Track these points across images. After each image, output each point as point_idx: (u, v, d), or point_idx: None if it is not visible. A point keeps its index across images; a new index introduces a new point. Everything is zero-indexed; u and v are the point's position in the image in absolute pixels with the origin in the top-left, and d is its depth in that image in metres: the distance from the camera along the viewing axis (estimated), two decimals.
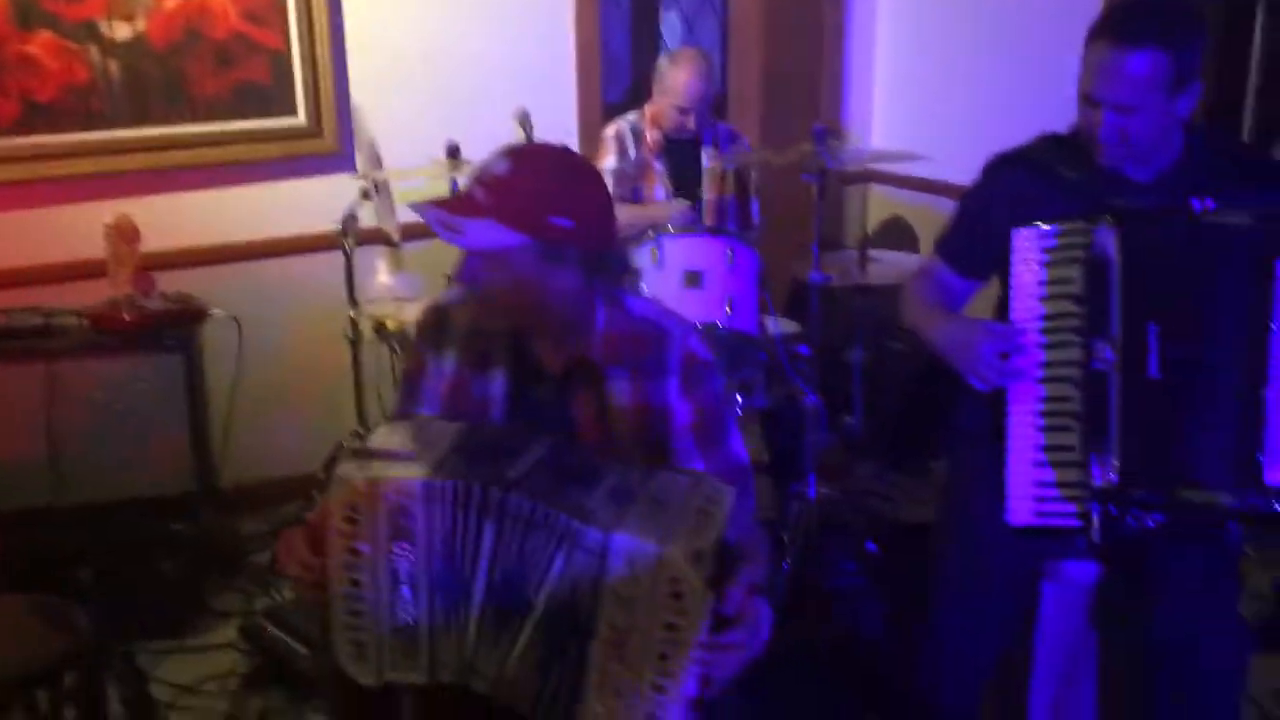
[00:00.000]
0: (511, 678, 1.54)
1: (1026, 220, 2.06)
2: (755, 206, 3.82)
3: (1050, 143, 2.18)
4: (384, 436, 1.68)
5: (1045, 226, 2.04)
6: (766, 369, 3.21)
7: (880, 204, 4.75)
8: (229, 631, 3.17)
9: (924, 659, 2.20)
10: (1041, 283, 2.04)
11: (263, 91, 3.55)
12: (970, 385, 2.02)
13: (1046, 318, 2.03)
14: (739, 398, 3.22)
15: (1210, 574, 2.04)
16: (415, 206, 1.71)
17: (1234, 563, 2.08)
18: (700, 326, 2.92)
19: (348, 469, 1.55)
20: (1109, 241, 1.94)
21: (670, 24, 5.22)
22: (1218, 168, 2.07)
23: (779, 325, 3.20)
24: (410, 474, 1.54)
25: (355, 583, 1.55)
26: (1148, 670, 2.05)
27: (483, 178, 1.69)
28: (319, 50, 3.56)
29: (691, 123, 3.61)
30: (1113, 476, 1.89)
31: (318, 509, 1.62)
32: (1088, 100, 2.03)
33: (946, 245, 2.30)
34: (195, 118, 3.49)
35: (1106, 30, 1.98)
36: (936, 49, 4.41)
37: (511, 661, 1.54)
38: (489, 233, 1.65)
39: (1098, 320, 1.95)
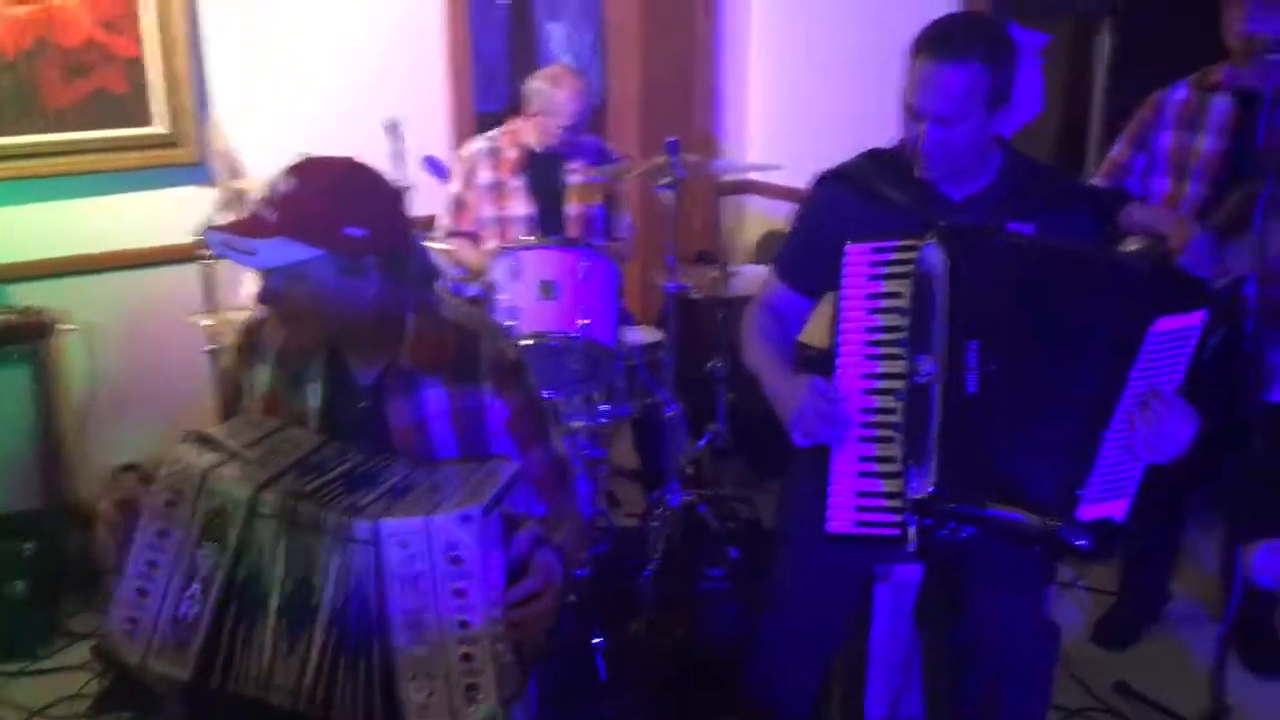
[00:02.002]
0: (310, 686, 1.53)
1: (852, 235, 2.12)
2: (627, 219, 3.86)
3: (872, 160, 2.25)
4: (234, 429, 1.68)
5: (877, 241, 2.09)
6: (628, 378, 3.24)
7: (759, 215, 4.83)
8: (83, 653, 3.10)
9: (755, 660, 2.24)
10: (871, 295, 2.09)
11: (119, 101, 3.48)
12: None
13: (877, 329, 2.08)
14: (602, 406, 3.25)
15: (1019, 577, 2.11)
16: (204, 233, 1.70)
17: (1041, 565, 2.16)
18: (557, 337, 2.95)
19: (188, 450, 1.54)
20: (935, 258, 1.99)
21: (548, 34, 5.24)
22: (1026, 191, 2.16)
23: (639, 335, 3.23)
24: (243, 480, 1.54)
25: (151, 564, 1.55)
26: (958, 666, 2.11)
27: (270, 196, 1.68)
28: (176, 59, 3.50)
29: (579, 138, 3.64)
30: (929, 489, 1.93)
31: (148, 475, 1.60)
32: (911, 112, 2.10)
33: (782, 264, 2.36)
34: (48, 127, 3.40)
35: (928, 45, 2.05)
36: (808, 60, 4.50)
37: (309, 670, 1.53)
38: (282, 250, 1.64)
39: (922, 335, 1.99)
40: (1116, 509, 1.92)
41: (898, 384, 2.03)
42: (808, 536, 2.13)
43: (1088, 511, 1.90)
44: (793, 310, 2.34)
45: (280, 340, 1.87)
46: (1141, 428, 1.88)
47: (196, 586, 1.54)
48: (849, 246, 2.11)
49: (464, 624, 1.49)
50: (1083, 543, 1.93)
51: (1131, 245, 2.92)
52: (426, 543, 1.48)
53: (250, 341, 1.90)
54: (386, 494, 1.58)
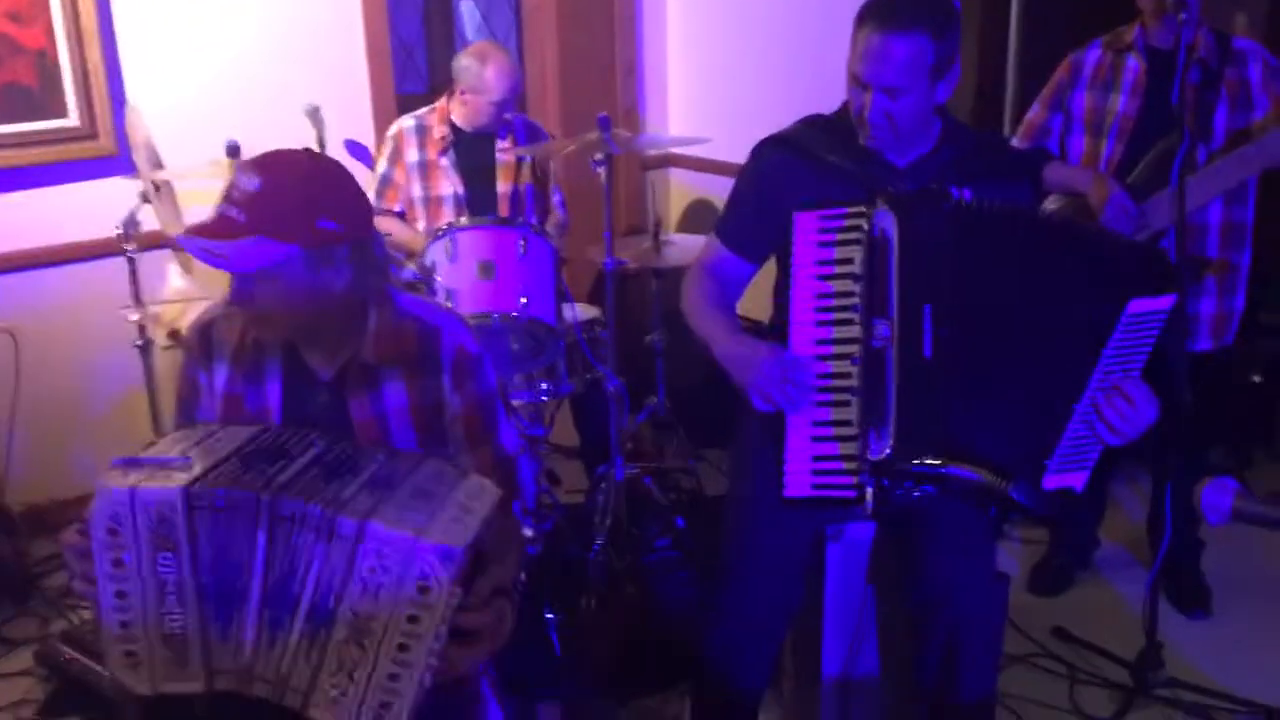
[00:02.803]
0: (286, 677, 1.53)
1: (797, 202, 2.15)
2: (559, 197, 3.86)
3: (813, 126, 2.28)
4: (166, 445, 1.65)
5: (826, 208, 2.13)
6: (568, 355, 3.25)
7: (682, 188, 4.86)
8: (24, 659, 3.04)
9: (714, 629, 2.27)
10: (821, 261, 2.12)
11: (29, 94, 3.39)
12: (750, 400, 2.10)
13: (829, 294, 2.12)
14: (544, 385, 3.26)
15: (969, 532, 2.17)
16: (179, 239, 1.66)
17: (990, 521, 2.22)
18: (498, 317, 2.95)
19: (110, 478, 1.52)
20: (889, 223, 2.03)
21: (465, 14, 5.19)
22: (968, 157, 2.21)
23: (578, 312, 3.24)
24: (171, 484, 1.51)
25: (121, 594, 1.53)
26: (915, 623, 2.17)
27: (235, 197, 1.64)
28: (88, 50, 3.42)
29: (509, 115, 3.62)
30: (887, 450, 1.98)
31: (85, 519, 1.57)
32: (857, 82, 2.12)
33: (726, 228, 2.37)
34: None
35: (874, 15, 2.07)
36: (726, 33, 4.53)
37: (287, 661, 1.53)
38: (258, 250, 1.61)
39: (877, 299, 2.03)
40: (1077, 480, 2.00)
41: (852, 349, 2.07)
42: (762, 500, 2.17)
43: (1051, 481, 1.98)
44: (734, 276, 2.35)
45: (235, 338, 1.85)
46: (1108, 412, 1.95)
47: (171, 598, 1.53)
48: (797, 215, 2.14)
49: (404, 647, 1.48)
50: (1032, 505, 2.00)
51: (1051, 204, 3.01)
52: (403, 563, 1.47)
53: (204, 340, 1.87)
54: (368, 485, 1.56)
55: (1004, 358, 2.01)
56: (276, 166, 1.67)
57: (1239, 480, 1.53)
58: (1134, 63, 2.88)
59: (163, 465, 1.55)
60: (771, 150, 2.29)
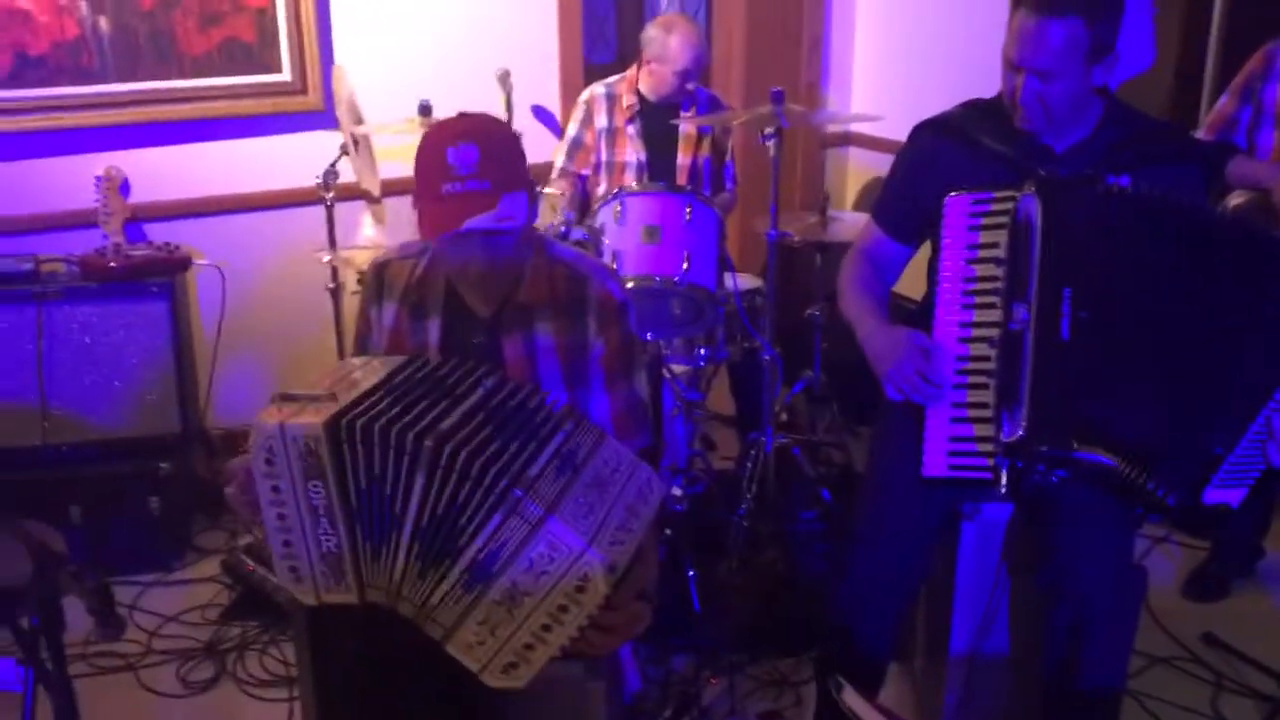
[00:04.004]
0: (433, 609, 1.63)
1: (950, 186, 2.18)
2: (731, 169, 3.93)
3: (972, 110, 2.30)
4: (317, 380, 1.77)
5: (976, 193, 2.15)
6: (727, 323, 3.32)
7: (860, 166, 4.86)
8: (212, 566, 3.34)
9: (842, 589, 2.33)
10: (970, 245, 2.16)
11: (248, 49, 3.66)
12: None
13: (974, 279, 2.15)
14: (702, 350, 3.35)
15: (1105, 519, 2.15)
16: (463, 232, 1.81)
17: (1130, 511, 2.19)
18: (660, 280, 3.05)
19: (265, 413, 1.64)
20: (1033, 208, 2.04)
21: None
22: (1131, 143, 2.17)
23: (740, 281, 3.31)
24: (318, 418, 1.61)
25: (281, 516, 1.66)
26: (1047, 607, 2.16)
27: (464, 172, 1.80)
28: (303, 9, 3.66)
29: (692, 86, 3.71)
30: (1020, 432, 2.00)
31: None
32: (1010, 65, 2.14)
33: (881, 211, 2.42)
34: (183, 74, 3.59)
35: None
36: (914, 12, 4.49)
37: (436, 596, 1.63)
38: (511, 204, 1.81)
39: (1017, 283, 2.05)
40: (1234, 496, 1.97)
41: (993, 332, 2.09)
42: (899, 476, 2.22)
43: (1212, 495, 1.96)
44: (890, 258, 2.40)
45: (404, 278, 2.02)
46: None
47: (324, 521, 1.65)
48: (949, 198, 2.18)
49: (547, 627, 1.59)
50: (1186, 515, 1.98)
51: (1235, 199, 2.91)
52: (570, 561, 1.57)
53: (378, 279, 2.06)
54: (554, 465, 1.65)
55: (1156, 351, 1.99)
56: (475, 131, 1.84)
57: None
58: None
59: (313, 400, 1.67)
60: (928, 134, 2.32)
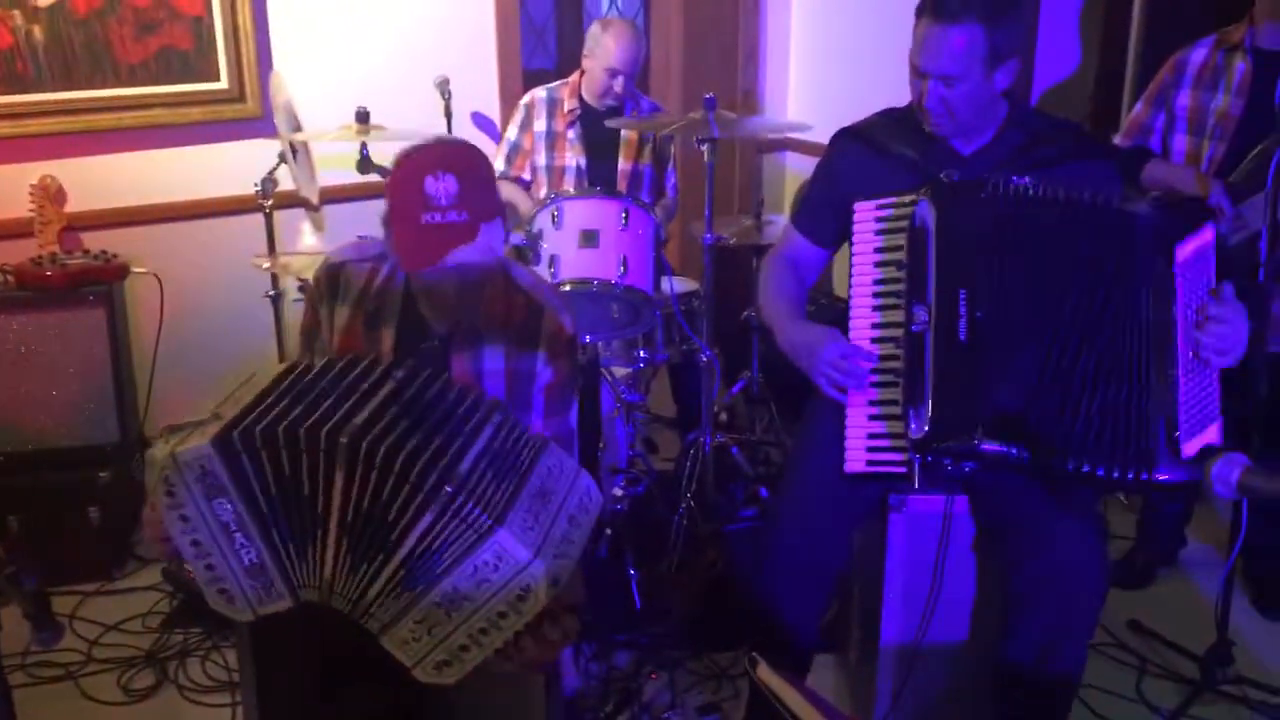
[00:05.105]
0: (368, 604, 1.66)
1: (865, 192, 2.28)
2: (673, 177, 3.99)
3: (886, 118, 2.40)
4: (219, 405, 1.78)
5: (880, 199, 2.26)
6: (665, 326, 3.38)
7: (797, 172, 4.94)
8: (153, 575, 3.32)
9: (761, 575, 2.37)
10: (876, 249, 2.27)
11: (185, 57, 3.66)
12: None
13: (881, 281, 2.26)
14: (641, 352, 3.40)
15: (1084, 509, 2.22)
16: (442, 266, 1.85)
17: (1087, 492, 2.26)
18: (597, 284, 3.10)
19: (154, 450, 1.67)
20: (927, 213, 2.14)
21: None
22: (1037, 140, 2.27)
23: (677, 284, 3.36)
24: (204, 439, 1.63)
25: (196, 543, 1.68)
26: (1023, 597, 2.19)
27: (444, 203, 1.82)
28: (240, 17, 3.67)
29: (619, 87, 3.74)
30: (925, 429, 2.07)
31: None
32: (915, 71, 2.24)
33: (800, 217, 2.52)
34: (119, 82, 3.60)
35: (929, 7, 2.19)
36: (847, 21, 4.58)
37: (371, 592, 1.65)
38: (487, 233, 1.87)
39: (917, 286, 2.14)
40: (1211, 433, 2.04)
41: (898, 333, 2.19)
42: (815, 465, 2.30)
43: (1190, 448, 2.02)
44: (809, 262, 2.51)
45: (362, 284, 2.05)
46: (1209, 341, 2.02)
47: (238, 535, 1.67)
48: (857, 205, 2.29)
49: (484, 631, 1.63)
50: (1184, 476, 2.00)
51: None
52: (515, 571, 1.60)
53: (333, 280, 2.08)
54: (488, 462, 1.66)
55: (1061, 337, 2.06)
56: (454, 161, 1.86)
57: None
58: (1240, 63, 2.87)
59: (198, 425, 1.68)
60: (845, 142, 2.42)
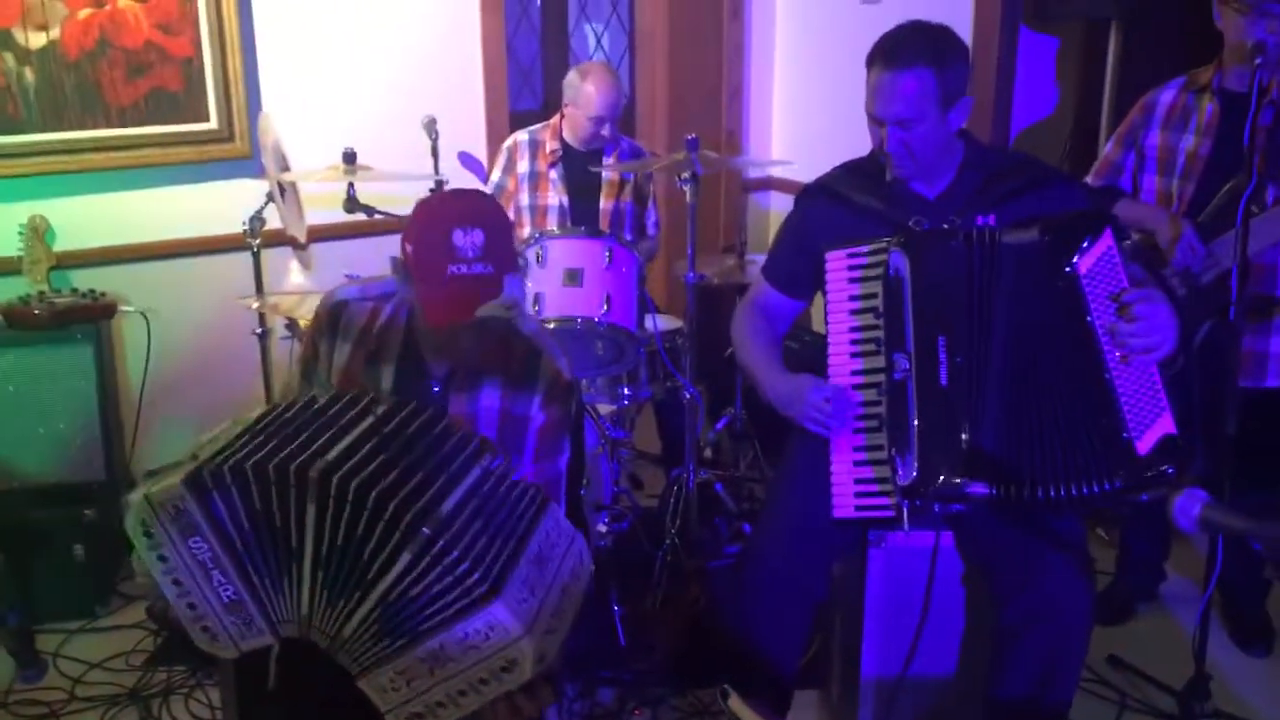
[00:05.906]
0: (345, 641, 1.65)
1: (835, 243, 2.34)
2: (654, 215, 4.05)
3: (846, 170, 2.48)
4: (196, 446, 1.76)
5: (851, 247, 2.32)
6: (649, 363, 3.41)
7: (781, 211, 4.99)
8: (137, 613, 3.32)
9: (741, 607, 2.39)
10: (851, 297, 2.33)
11: (175, 98, 3.71)
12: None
13: (858, 329, 2.31)
14: (625, 389, 3.43)
15: (1072, 542, 2.25)
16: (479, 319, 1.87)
17: (1074, 524, 2.29)
18: (581, 321, 3.13)
19: (131, 495, 1.67)
20: (901, 263, 2.21)
21: (581, 37, 5.42)
22: (997, 176, 2.34)
23: (660, 322, 3.40)
24: (175, 479, 1.63)
25: (177, 583, 1.68)
26: (1014, 631, 2.23)
27: (471, 255, 1.86)
28: (230, 58, 3.72)
29: (606, 131, 3.81)
30: (914, 474, 2.12)
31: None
32: (873, 119, 2.31)
33: (771, 270, 2.59)
34: (109, 123, 3.63)
35: (879, 56, 2.27)
36: (829, 64, 4.66)
37: (348, 629, 1.64)
38: (516, 285, 1.89)
39: (895, 334, 2.20)
40: (1164, 424, 2.06)
41: (879, 378, 2.23)
42: (800, 497, 2.34)
43: (1144, 444, 2.05)
44: (781, 312, 2.58)
45: (363, 323, 2.08)
46: (1133, 342, 2.06)
47: (215, 573, 1.67)
48: (828, 254, 2.35)
49: (463, 693, 1.62)
50: (1147, 480, 2.04)
51: None
52: (504, 643, 1.58)
53: (334, 318, 2.11)
54: (473, 508, 1.65)
55: (1015, 373, 2.13)
56: (482, 214, 1.90)
57: None
58: (1209, 104, 2.93)
59: (175, 467, 1.68)
60: (810, 198, 2.51)
